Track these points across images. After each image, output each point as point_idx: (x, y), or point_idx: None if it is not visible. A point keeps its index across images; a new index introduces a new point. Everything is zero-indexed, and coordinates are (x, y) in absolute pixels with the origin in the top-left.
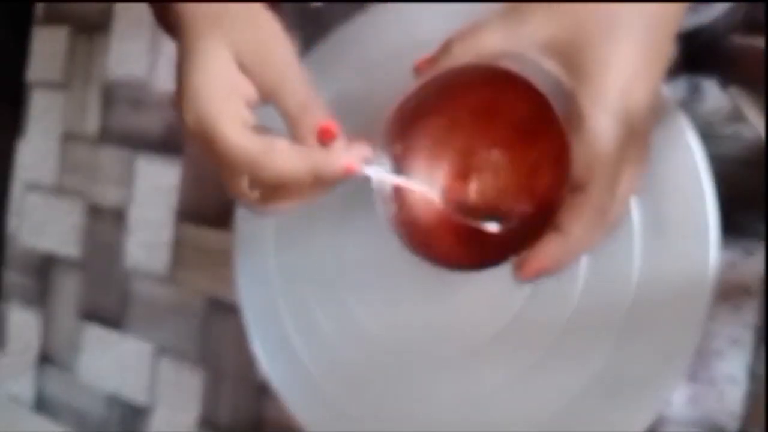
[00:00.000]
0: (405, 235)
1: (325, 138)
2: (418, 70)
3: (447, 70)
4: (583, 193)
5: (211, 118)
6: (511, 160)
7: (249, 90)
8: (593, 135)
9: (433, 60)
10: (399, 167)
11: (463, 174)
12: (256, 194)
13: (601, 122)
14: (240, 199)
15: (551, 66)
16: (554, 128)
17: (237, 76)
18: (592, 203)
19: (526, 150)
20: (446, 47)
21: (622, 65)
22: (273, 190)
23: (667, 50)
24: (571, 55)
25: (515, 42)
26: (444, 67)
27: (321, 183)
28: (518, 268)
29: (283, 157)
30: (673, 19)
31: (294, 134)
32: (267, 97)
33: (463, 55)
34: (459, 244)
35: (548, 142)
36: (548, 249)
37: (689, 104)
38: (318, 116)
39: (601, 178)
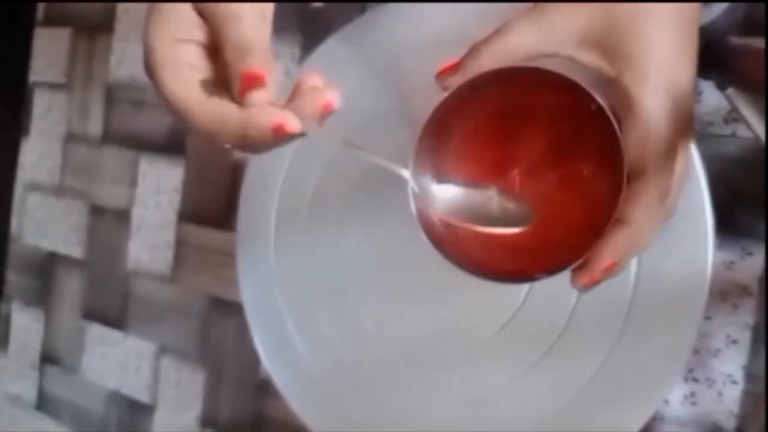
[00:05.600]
0: (438, 241)
1: (246, 84)
2: (441, 75)
3: (477, 76)
4: (642, 179)
5: (158, 66)
6: (549, 164)
7: (198, 34)
8: (646, 116)
9: (458, 65)
10: (438, 176)
11: (503, 179)
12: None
13: (653, 101)
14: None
15: (589, 59)
16: (596, 126)
17: (190, 15)
18: (653, 187)
19: (565, 154)
20: (474, 51)
21: (664, 42)
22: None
23: (695, 34)
24: (609, 43)
25: (548, 40)
26: (472, 72)
27: (250, 142)
28: (582, 273)
29: (210, 112)
30: (696, 4)
31: (229, 83)
32: (214, 40)
33: (493, 59)
34: (499, 254)
35: (589, 142)
36: (614, 245)
37: None
38: (254, 62)
39: (659, 159)
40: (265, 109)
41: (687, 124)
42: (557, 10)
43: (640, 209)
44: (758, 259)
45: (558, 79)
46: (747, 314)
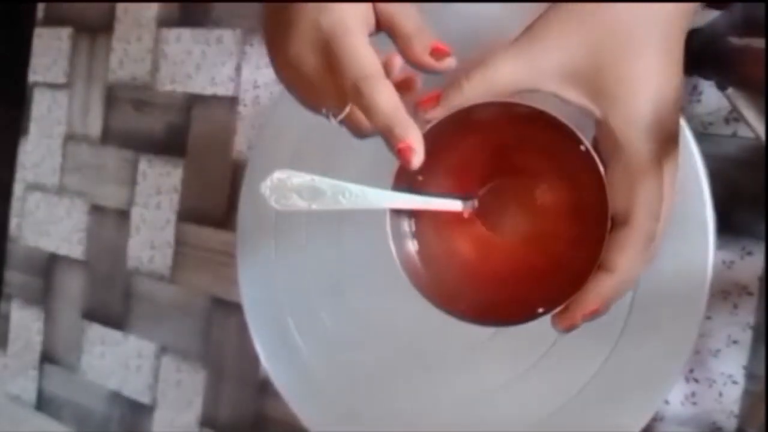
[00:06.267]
0: (415, 277)
1: (439, 54)
2: (422, 107)
3: (459, 110)
4: (628, 225)
5: (346, 27)
6: (532, 203)
7: (370, 17)
8: (632, 160)
9: (438, 97)
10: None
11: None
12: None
13: (639, 145)
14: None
15: (573, 96)
16: (582, 167)
17: (362, 4)
18: (638, 234)
19: (549, 193)
20: (456, 85)
21: (648, 79)
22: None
23: (681, 46)
24: (594, 80)
25: (531, 75)
26: (454, 106)
27: (384, 136)
28: (564, 317)
29: (383, 92)
30: (684, 16)
31: (409, 54)
32: (386, 22)
33: (475, 93)
34: (478, 295)
35: (575, 182)
36: (598, 291)
37: (688, 105)
38: (431, 37)
39: (645, 204)
40: (412, 128)
41: (674, 165)
42: (541, 46)
43: (624, 256)
44: (758, 259)
45: (545, 117)
46: (747, 314)
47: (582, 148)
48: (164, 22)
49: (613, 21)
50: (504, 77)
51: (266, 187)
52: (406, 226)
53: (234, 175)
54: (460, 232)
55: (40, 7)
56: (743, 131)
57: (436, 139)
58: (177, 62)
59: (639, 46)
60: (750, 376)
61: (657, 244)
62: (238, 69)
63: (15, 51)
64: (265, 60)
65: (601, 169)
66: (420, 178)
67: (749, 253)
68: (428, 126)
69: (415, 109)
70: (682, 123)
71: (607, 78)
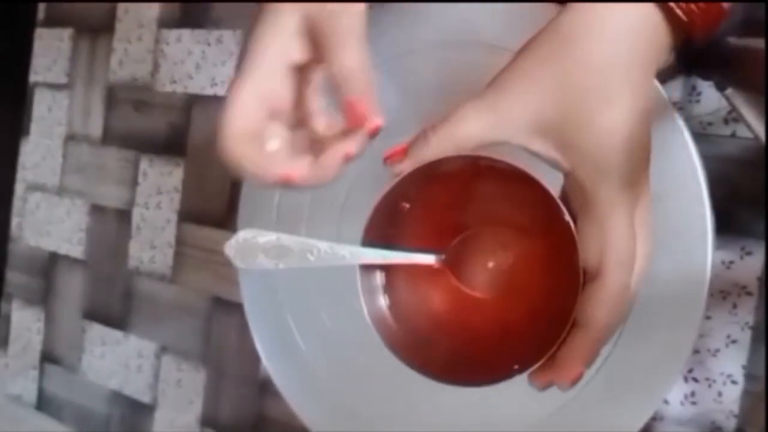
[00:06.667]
0: (387, 335)
1: (372, 130)
2: (389, 161)
3: (426, 164)
4: (599, 279)
5: (223, 122)
6: (503, 257)
7: (299, 54)
8: (603, 213)
9: (406, 150)
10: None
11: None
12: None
13: (610, 198)
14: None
15: (542, 149)
16: (552, 219)
17: (291, 40)
18: (611, 287)
19: (519, 247)
20: (422, 138)
21: (617, 129)
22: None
23: (651, 90)
24: (562, 132)
25: (498, 129)
26: (421, 159)
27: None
28: (541, 375)
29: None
30: (655, 60)
31: (336, 99)
32: (320, 56)
33: (442, 146)
34: (453, 353)
35: (545, 235)
36: (573, 348)
37: (687, 105)
38: (362, 92)
39: (617, 256)
40: (276, 158)
41: (646, 212)
42: (507, 99)
43: (598, 311)
44: (758, 259)
45: (513, 169)
46: (747, 314)
47: (551, 200)
48: (165, 23)
49: (580, 70)
50: (471, 131)
51: (231, 247)
52: (378, 279)
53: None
54: (433, 287)
55: (41, 8)
56: (742, 131)
57: (404, 191)
58: (177, 62)
59: (608, 95)
60: (749, 376)
61: (634, 293)
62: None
63: (15, 51)
64: None
65: (570, 221)
66: (390, 231)
67: (749, 253)
68: (396, 179)
69: (383, 162)
70: (681, 124)
71: (575, 130)
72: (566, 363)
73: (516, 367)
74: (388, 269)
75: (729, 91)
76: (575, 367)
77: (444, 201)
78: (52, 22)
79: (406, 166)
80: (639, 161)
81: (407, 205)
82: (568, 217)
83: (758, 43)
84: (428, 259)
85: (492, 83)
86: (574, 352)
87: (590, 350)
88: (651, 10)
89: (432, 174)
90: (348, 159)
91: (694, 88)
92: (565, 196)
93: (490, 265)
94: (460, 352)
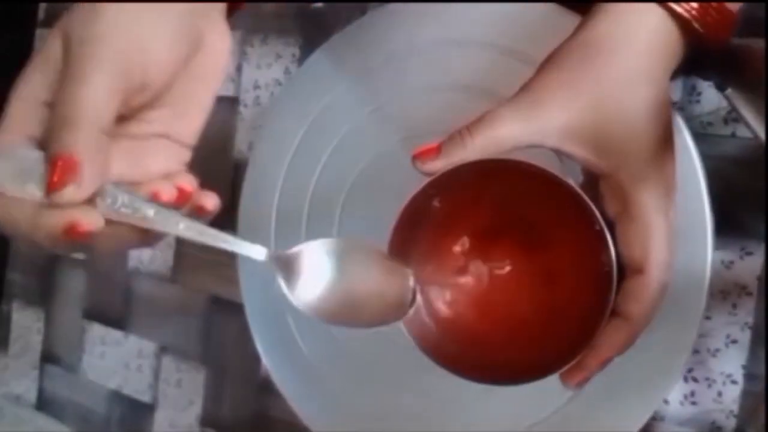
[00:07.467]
0: (417, 334)
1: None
2: (420, 158)
3: (459, 165)
4: (643, 275)
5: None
6: (526, 266)
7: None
8: (645, 213)
9: (438, 150)
10: (419, 273)
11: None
12: None
13: (650, 200)
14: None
15: (577, 152)
16: (579, 217)
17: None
18: (654, 283)
19: (543, 253)
20: (457, 139)
21: (652, 131)
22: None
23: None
24: (599, 137)
25: (534, 133)
26: (456, 160)
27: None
28: (577, 371)
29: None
30: (673, 62)
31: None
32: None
33: (478, 148)
34: (475, 351)
35: (574, 234)
36: (613, 338)
37: (687, 105)
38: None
39: (659, 254)
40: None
41: (673, 214)
42: (542, 106)
43: (641, 306)
44: (758, 259)
45: (542, 172)
46: (747, 314)
47: (580, 200)
48: None
49: (612, 78)
50: (508, 134)
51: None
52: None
53: (234, 175)
54: (463, 288)
55: (41, 8)
56: (742, 131)
57: (435, 190)
58: None
59: (641, 102)
60: (749, 376)
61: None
62: (238, 69)
63: (16, 51)
64: (265, 60)
65: (602, 222)
66: (418, 230)
67: (748, 253)
68: (430, 178)
69: (411, 160)
70: (681, 124)
71: (613, 134)
72: (600, 349)
73: (549, 366)
74: (417, 271)
75: (729, 91)
76: (608, 353)
77: (473, 200)
78: (52, 22)
79: (441, 165)
80: (670, 163)
81: (437, 204)
82: (600, 219)
83: (758, 43)
84: (257, 252)
85: (524, 88)
86: (610, 340)
87: (628, 342)
88: (669, 22)
89: (464, 173)
90: (204, 212)
91: (694, 88)
92: (594, 194)
93: (517, 263)
94: (484, 351)
